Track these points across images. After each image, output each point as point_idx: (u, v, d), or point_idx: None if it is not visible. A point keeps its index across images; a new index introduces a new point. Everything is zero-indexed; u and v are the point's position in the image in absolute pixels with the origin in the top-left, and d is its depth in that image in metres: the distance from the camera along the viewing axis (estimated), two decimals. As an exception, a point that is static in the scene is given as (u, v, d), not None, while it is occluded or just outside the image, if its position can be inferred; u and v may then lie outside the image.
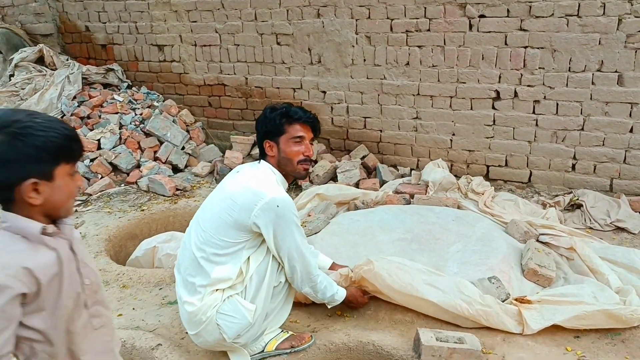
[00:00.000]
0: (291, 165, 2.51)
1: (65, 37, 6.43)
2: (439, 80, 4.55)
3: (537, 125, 4.31)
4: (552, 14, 4.01)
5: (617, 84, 3.98)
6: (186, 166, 5.43)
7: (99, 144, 5.22)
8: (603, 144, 4.15)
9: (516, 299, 2.70)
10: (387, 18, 4.58)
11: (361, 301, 2.75)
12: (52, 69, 5.75)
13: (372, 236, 3.38)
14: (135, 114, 5.61)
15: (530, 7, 4.06)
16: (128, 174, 5.08)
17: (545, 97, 4.22)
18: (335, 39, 4.86)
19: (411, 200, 4.11)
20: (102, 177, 4.96)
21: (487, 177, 4.60)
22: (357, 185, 4.58)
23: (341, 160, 4.97)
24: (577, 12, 3.95)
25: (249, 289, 2.36)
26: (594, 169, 4.23)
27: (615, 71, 3.96)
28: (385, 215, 3.67)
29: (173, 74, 5.91)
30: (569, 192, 4.25)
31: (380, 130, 4.96)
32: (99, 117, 5.48)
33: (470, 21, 4.29)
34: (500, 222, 3.72)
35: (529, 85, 4.24)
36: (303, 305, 2.86)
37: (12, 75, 5.72)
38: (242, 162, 5.09)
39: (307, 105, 5.17)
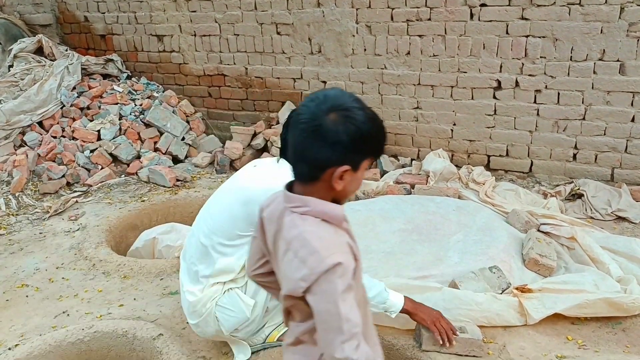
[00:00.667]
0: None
1: (64, 27, 6.40)
2: (439, 70, 4.53)
3: (538, 114, 4.30)
4: (554, 2, 3.98)
5: (619, 73, 3.96)
6: (186, 157, 5.42)
7: (99, 134, 5.21)
8: (604, 134, 4.13)
9: (517, 288, 2.70)
10: (388, 7, 4.55)
11: (446, 326, 2.40)
12: (51, 60, 5.72)
13: (373, 226, 3.38)
14: (135, 105, 5.59)
15: (532, -5, 4.04)
16: (128, 165, 5.07)
17: (546, 86, 4.20)
18: (336, 29, 4.83)
19: (412, 190, 4.11)
20: (102, 168, 4.95)
21: (488, 167, 4.59)
22: (357, 175, 4.56)
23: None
24: (579, 1, 3.92)
25: (250, 283, 2.33)
26: (595, 158, 4.22)
27: (617, 60, 3.94)
28: (385, 205, 3.67)
29: (173, 64, 5.88)
30: (570, 182, 4.25)
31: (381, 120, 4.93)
32: (99, 107, 5.47)
33: (471, 10, 4.26)
34: (501, 212, 3.71)
35: (530, 75, 4.22)
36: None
37: (11, 66, 5.70)
38: (242, 153, 5.09)
39: (308, 95, 5.14)
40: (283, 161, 2.31)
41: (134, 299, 3.04)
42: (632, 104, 3.99)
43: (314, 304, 1.24)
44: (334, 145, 1.28)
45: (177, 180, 4.77)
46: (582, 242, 3.17)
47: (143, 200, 4.42)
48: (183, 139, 5.48)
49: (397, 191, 4.06)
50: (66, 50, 5.98)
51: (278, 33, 5.15)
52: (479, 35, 4.30)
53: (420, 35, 4.51)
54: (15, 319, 2.90)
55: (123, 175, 4.97)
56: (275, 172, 2.26)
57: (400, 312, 2.36)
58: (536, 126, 4.33)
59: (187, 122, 5.65)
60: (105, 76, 5.97)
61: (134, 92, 5.77)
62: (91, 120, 5.33)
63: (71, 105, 5.37)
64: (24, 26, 6.26)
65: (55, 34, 6.36)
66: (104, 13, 6.03)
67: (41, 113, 5.20)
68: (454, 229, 3.30)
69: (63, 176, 4.75)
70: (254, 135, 5.32)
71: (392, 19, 4.57)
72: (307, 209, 1.32)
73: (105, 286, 3.19)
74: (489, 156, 4.60)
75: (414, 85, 4.68)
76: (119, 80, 5.96)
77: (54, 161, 4.90)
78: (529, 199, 4.01)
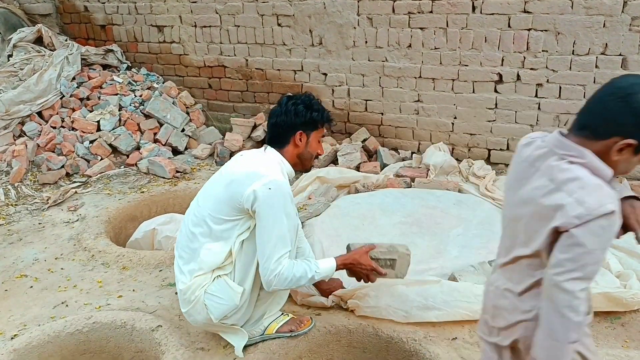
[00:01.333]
0: (309, 160, 2.52)
1: (64, 17, 6.37)
2: (441, 63, 4.51)
3: (539, 109, 4.28)
4: (557, -5, 3.97)
5: (621, 67, 3.95)
6: (186, 148, 5.41)
7: (99, 125, 5.19)
8: (605, 128, 4.12)
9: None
10: (390, -1, 4.54)
11: (366, 265, 2.45)
12: (50, 50, 5.70)
13: (373, 219, 3.38)
14: (135, 96, 5.57)
15: (535, -12, 4.01)
16: (128, 156, 5.06)
17: (548, 80, 4.18)
18: (337, 21, 4.81)
19: (412, 183, 4.11)
20: (101, 159, 4.94)
21: (488, 160, 4.58)
22: (357, 168, 4.56)
23: (342, 143, 4.94)
24: (581, -6, 3.91)
25: (237, 270, 2.33)
26: (596, 153, 4.20)
27: (620, 54, 3.92)
28: (386, 198, 3.67)
29: (173, 55, 5.86)
30: (571, 176, 4.23)
31: (382, 113, 4.93)
32: (99, 98, 5.45)
33: (473, 3, 4.24)
34: (501, 206, 3.71)
35: (531, 69, 4.20)
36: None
37: (10, 56, 5.68)
38: (242, 145, 5.08)
39: (308, 87, 5.14)
40: (270, 149, 2.38)
41: (133, 290, 3.04)
42: (633, 99, 3.97)
43: (581, 239, 1.35)
44: (636, 117, 1.37)
45: (177, 171, 4.76)
46: (582, 236, 3.16)
47: (142, 192, 4.42)
48: (183, 130, 5.47)
49: (398, 184, 4.05)
50: (66, 40, 5.96)
51: (279, 24, 5.12)
52: (480, 28, 4.27)
53: (421, 28, 4.49)
54: (14, 309, 2.90)
55: (122, 166, 4.96)
56: (258, 157, 2.37)
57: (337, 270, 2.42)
58: (537, 120, 4.32)
59: (187, 113, 5.63)
60: (105, 67, 5.95)
61: (133, 82, 5.75)
62: (91, 111, 5.32)
63: (71, 96, 5.35)
64: (23, 15, 6.23)
65: (55, 24, 6.33)
66: (104, 3, 5.99)
67: (40, 103, 5.19)
68: (454, 223, 3.30)
69: (62, 167, 4.74)
70: (254, 127, 5.31)
71: (393, 11, 4.54)
72: (583, 160, 1.42)
73: (104, 277, 3.19)
74: (489, 150, 4.59)
75: (415, 78, 4.66)
76: (118, 71, 5.94)
77: (53, 152, 4.89)
78: (529, 193, 4.00)
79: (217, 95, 5.81)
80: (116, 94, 5.51)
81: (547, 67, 4.15)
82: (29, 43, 5.71)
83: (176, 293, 2.90)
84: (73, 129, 5.15)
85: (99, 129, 5.19)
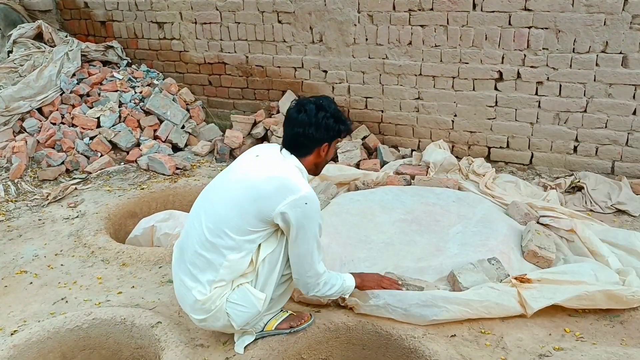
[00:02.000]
0: (323, 167, 2.51)
1: (64, 13, 6.36)
2: (441, 61, 4.51)
3: (539, 106, 4.28)
4: (557, -7, 3.96)
5: (622, 65, 3.94)
6: (186, 145, 5.41)
7: (99, 122, 5.19)
8: (605, 126, 4.12)
9: (516, 278, 2.70)
10: (390, -4, 4.53)
11: (388, 284, 2.62)
12: (50, 46, 5.69)
13: (373, 217, 3.38)
14: (135, 92, 5.57)
15: (535, -14, 4.01)
16: (128, 153, 5.06)
17: (548, 78, 4.18)
18: (337, 18, 4.80)
19: (412, 181, 4.11)
20: (101, 156, 4.94)
21: (488, 158, 4.59)
22: (357, 165, 4.57)
23: (342, 141, 4.94)
24: (582, -8, 3.90)
25: (260, 277, 2.31)
26: (596, 151, 4.21)
27: (620, 52, 3.92)
28: (385, 196, 3.67)
29: (173, 52, 5.85)
30: (570, 175, 4.24)
31: (382, 111, 4.93)
32: (99, 94, 5.45)
33: (474, 0, 4.23)
34: (500, 204, 3.71)
35: (532, 66, 4.20)
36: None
37: (10, 52, 5.67)
38: (242, 142, 5.08)
39: (308, 84, 5.14)
40: (289, 155, 2.32)
41: (133, 286, 3.04)
42: (634, 97, 3.98)
43: None
44: None
45: (177, 168, 4.76)
46: (582, 234, 3.17)
47: (142, 188, 4.42)
48: (183, 127, 5.47)
49: (397, 182, 4.05)
50: (66, 36, 5.95)
51: (279, 21, 5.12)
52: (481, 26, 4.27)
53: (422, 26, 4.48)
54: (14, 305, 2.90)
55: (122, 163, 4.96)
56: (279, 164, 2.27)
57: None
58: (537, 118, 4.32)
59: (187, 110, 5.63)
60: (105, 63, 5.94)
61: (133, 79, 5.75)
62: (91, 107, 5.31)
63: (71, 92, 5.35)
64: (23, 12, 6.22)
65: (55, 20, 6.32)
66: (104, -1, 6.00)
67: (40, 99, 5.18)
68: (454, 220, 3.30)
69: (62, 163, 4.74)
70: (254, 124, 5.31)
71: (394, 8, 4.54)
72: None
73: (104, 273, 3.19)
74: (489, 148, 4.59)
75: (416, 75, 4.66)
76: (118, 68, 5.93)
77: (53, 148, 4.89)
78: (528, 191, 4.00)
79: (217, 92, 5.81)
80: (116, 91, 5.51)
81: (547, 65, 4.15)
82: (29, 39, 5.70)
83: (176, 289, 2.92)
84: (73, 125, 5.15)
85: (99, 126, 5.18)
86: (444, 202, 3.53)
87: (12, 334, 2.62)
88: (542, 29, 4.08)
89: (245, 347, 2.44)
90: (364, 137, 4.93)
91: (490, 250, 2.95)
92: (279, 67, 5.29)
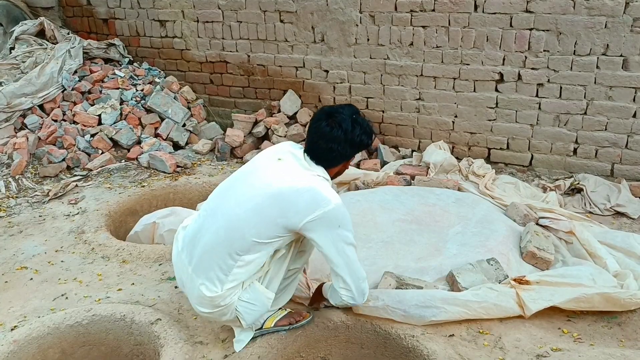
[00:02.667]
0: (337, 176, 2.48)
1: (66, 10, 6.37)
2: (442, 62, 4.52)
3: (539, 108, 4.29)
4: (559, -4, 3.97)
5: (622, 68, 3.95)
6: (187, 143, 5.42)
7: (100, 119, 5.20)
8: (605, 129, 4.13)
9: (515, 279, 2.71)
10: (392, -3, 4.54)
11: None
12: (52, 43, 5.70)
13: (372, 216, 3.39)
14: (137, 90, 5.58)
15: (537, -12, 4.02)
16: (129, 150, 5.07)
17: (549, 80, 4.19)
18: (339, 18, 4.81)
19: (412, 181, 4.12)
20: (102, 153, 4.95)
21: (488, 159, 4.60)
22: (358, 165, 4.58)
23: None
24: (584, -5, 3.91)
25: (269, 276, 2.32)
26: (596, 153, 4.22)
27: (621, 55, 3.93)
28: (385, 196, 3.68)
29: (175, 50, 5.86)
30: (570, 176, 4.25)
31: (383, 111, 4.94)
32: (100, 92, 5.45)
33: (475, 2, 4.24)
34: (500, 205, 3.72)
35: (533, 68, 4.21)
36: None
37: (12, 48, 5.67)
38: (243, 141, 5.09)
39: (310, 84, 5.15)
40: (315, 165, 2.26)
41: (133, 283, 3.05)
42: (634, 100, 3.99)
43: None
44: None
45: (178, 166, 4.77)
46: (580, 236, 3.18)
47: (143, 186, 4.43)
48: (184, 125, 5.48)
49: (397, 182, 4.07)
50: (68, 33, 5.96)
51: (281, 21, 5.13)
52: (482, 28, 4.28)
53: (423, 26, 4.49)
54: (14, 301, 2.91)
55: (123, 161, 4.97)
56: (305, 175, 2.21)
57: None
58: (537, 120, 4.33)
59: (189, 108, 5.64)
60: (107, 61, 5.95)
61: (135, 77, 5.75)
62: (92, 105, 5.32)
63: (72, 89, 5.35)
64: (26, 8, 6.22)
65: (58, 17, 6.33)
66: (106, -3, 6.00)
67: (42, 96, 5.19)
68: (453, 221, 3.31)
69: (63, 160, 4.75)
70: (255, 123, 5.32)
71: (395, 9, 4.55)
72: None
73: (104, 270, 3.20)
74: (489, 149, 4.60)
75: (417, 76, 4.67)
76: (120, 65, 5.94)
77: (54, 145, 4.90)
78: (528, 193, 4.02)
79: (218, 91, 5.82)
80: (118, 88, 5.52)
81: (548, 67, 4.16)
82: (31, 36, 5.71)
83: (176, 287, 2.94)
84: (74, 122, 5.16)
85: (100, 123, 5.19)
86: (443, 203, 3.54)
87: (12, 330, 2.63)
88: (543, 31, 4.09)
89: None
90: (365, 137, 4.93)
91: (489, 251, 2.97)
92: (280, 66, 5.30)
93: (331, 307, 2.70)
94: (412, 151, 4.84)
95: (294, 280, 2.56)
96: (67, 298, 2.92)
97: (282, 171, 2.25)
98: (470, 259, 2.87)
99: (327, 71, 5.06)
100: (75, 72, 5.52)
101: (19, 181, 4.49)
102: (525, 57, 4.21)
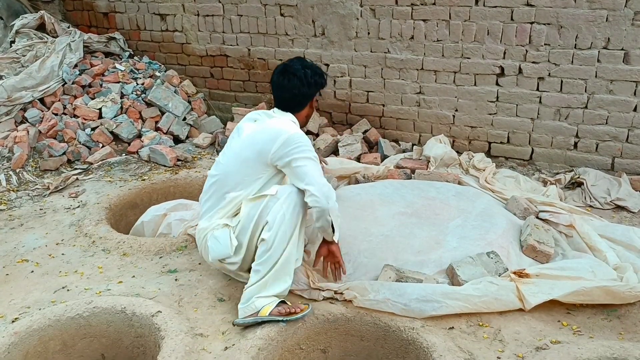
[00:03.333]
0: (310, 118, 2.92)
1: (66, 4, 6.36)
2: (443, 55, 4.51)
3: (540, 102, 4.29)
4: (560, -11, 3.96)
5: (623, 61, 3.95)
6: (187, 137, 5.42)
7: (100, 113, 5.19)
8: (606, 123, 4.13)
9: (514, 272, 2.72)
10: (393, -10, 4.53)
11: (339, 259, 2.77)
12: (53, 36, 5.69)
13: (373, 210, 3.39)
14: (137, 84, 5.57)
15: (538, -19, 4.01)
16: (129, 144, 5.07)
17: (549, 74, 4.18)
18: (340, 11, 4.80)
19: (412, 175, 4.12)
20: (103, 146, 4.95)
21: (488, 153, 4.59)
22: (358, 159, 4.58)
23: (343, 134, 4.95)
24: (585, -12, 3.90)
25: (239, 225, 2.62)
26: (596, 147, 4.21)
27: (622, 49, 3.92)
28: (385, 189, 3.68)
29: (175, 44, 5.86)
30: (570, 170, 4.25)
31: (383, 105, 4.93)
32: (101, 85, 5.45)
33: (476, -5, 4.24)
34: (500, 199, 3.72)
35: (533, 62, 4.21)
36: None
37: (12, 42, 5.67)
38: (244, 134, 5.09)
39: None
40: (282, 112, 2.71)
41: (133, 276, 3.06)
42: (635, 94, 3.98)
43: None
44: None
45: (178, 160, 4.78)
46: (580, 230, 3.19)
47: (143, 179, 4.43)
48: (184, 119, 5.48)
49: (398, 176, 4.07)
50: (68, 27, 5.96)
51: (282, 14, 5.12)
52: (483, 21, 4.27)
53: (424, 20, 4.48)
54: (15, 293, 2.92)
55: (124, 154, 4.97)
56: (275, 121, 2.71)
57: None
58: (538, 114, 4.33)
59: (189, 102, 5.64)
60: (108, 54, 5.95)
61: (135, 71, 5.75)
62: (93, 98, 5.32)
63: (73, 83, 5.35)
64: (26, 2, 6.22)
65: (58, 11, 6.32)
66: (106, -10, 5.99)
67: (42, 90, 5.19)
68: (453, 214, 3.31)
69: (64, 153, 4.75)
70: (256, 116, 5.31)
71: (396, 2, 4.54)
72: None
73: (105, 263, 3.21)
74: (490, 143, 4.60)
75: (417, 70, 4.66)
76: (121, 59, 5.94)
77: (54, 138, 4.90)
78: (528, 186, 4.02)
79: (219, 85, 5.81)
80: (118, 82, 5.51)
81: (549, 61, 4.15)
82: (31, 29, 5.70)
83: (176, 279, 2.96)
84: (75, 116, 5.16)
85: (100, 117, 5.19)
86: (443, 196, 3.55)
87: (13, 322, 2.64)
88: (544, 24, 4.08)
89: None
90: (365, 131, 4.94)
91: (489, 244, 2.97)
92: (281, 60, 5.29)
93: (330, 299, 2.71)
94: (413, 145, 4.83)
95: (287, 268, 2.56)
96: (68, 290, 2.93)
97: (257, 128, 2.71)
98: (470, 252, 2.88)
99: (327, 65, 5.06)
100: (76, 65, 5.52)
101: (20, 174, 4.49)
102: (526, 51, 4.20)
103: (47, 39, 5.63)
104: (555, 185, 3.99)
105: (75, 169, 4.67)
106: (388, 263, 2.85)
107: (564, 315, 2.63)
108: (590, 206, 3.84)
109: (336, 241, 2.69)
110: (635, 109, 4.01)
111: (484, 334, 2.49)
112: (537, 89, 4.27)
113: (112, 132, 5.06)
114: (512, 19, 4.17)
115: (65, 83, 5.34)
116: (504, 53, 4.29)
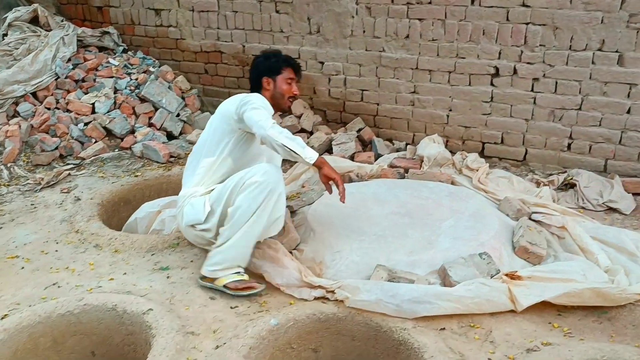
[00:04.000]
0: (282, 100, 3.05)
1: (60, -3, 6.32)
2: (438, 55, 4.51)
3: (534, 103, 4.30)
4: (556, -10, 3.96)
5: (617, 64, 3.96)
6: (181, 133, 5.40)
7: (93, 108, 5.16)
8: (600, 124, 4.14)
9: (506, 274, 2.72)
10: (389, -11, 4.52)
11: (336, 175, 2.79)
12: (46, 30, 5.64)
13: (366, 209, 3.39)
14: (131, 79, 5.53)
15: (534, -18, 4.01)
16: (122, 139, 5.04)
17: (544, 75, 4.19)
18: (335, 9, 4.79)
19: (405, 174, 4.12)
20: (95, 142, 4.92)
21: (482, 154, 4.60)
22: (352, 158, 4.57)
23: (337, 133, 4.94)
24: (580, -10, 3.91)
25: (216, 196, 2.81)
26: (590, 149, 4.23)
27: (616, 51, 3.93)
28: (379, 188, 3.68)
29: (169, 40, 5.83)
30: (564, 172, 4.26)
31: (377, 104, 4.93)
32: (94, 80, 5.42)
33: (472, -5, 4.24)
34: (493, 199, 3.73)
35: (528, 63, 4.21)
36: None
37: (5, 35, 5.62)
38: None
39: (305, 75, 5.11)
40: (256, 93, 3.01)
41: (125, 273, 3.05)
42: (628, 96, 4.00)
43: None
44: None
45: (171, 156, 4.76)
46: (573, 231, 3.19)
47: (136, 175, 4.41)
48: (178, 115, 5.45)
49: (391, 175, 4.07)
50: (62, 20, 5.91)
51: (277, 11, 5.10)
52: (479, 21, 4.27)
53: (420, 19, 4.48)
54: (5, 289, 2.90)
55: (117, 150, 4.94)
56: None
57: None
58: (532, 115, 4.33)
59: (183, 98, 5.61)
60: (101, 49, 5.90)
61: (129, 66, 5.72)
62: (86, 93, 5.28)
63: (66, 77, 5.31)
64: (19, -5, 6.17)
65: (51, 4, 6.26)
66: (101, -16, 5.95)
67: (35, 84, 5.16)
68: (446, 215, 3.32)
69: (56, 148, 4.72)
70: (250, 113, 5.29)
71: (392, 1, 4.53)
72: None
73: (96, 259, 3.19)
74: (483, 143, 4.60)
75: (412, 69, 4.66)
76: (114, 54, 5.90)
77: (47, 133, 4.87)
78: (521, 187, 4.02)
79: (213, 81, 5.79)
80: (112, 77, 5.48)
81: (543, 62, 4.16)
82: (24, 22, 5.65)
83: (168, 277, 2.95)
84: (67, 110, 5.12)
85: (93, 112, 5.16)
86: (436, 196, 3.55)
87: (2, 318, 2.62)
88: (539, 25, 4.09)
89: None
90: (359, 130, 4.93)
91: (481, 245, 2.97)
92: (275, 57, 5.27)
93: (321, 298, 2.71)
94: (406, 144, 4.83)
95: (250, 235, 2.70)
96: (58, 287, 2.91)
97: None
98: (463, 253, 2.88)
99: (322, 63, 5.05)
100: (69, 59, 5.47)
101: (11, 169, 4.46)
102: (521, 52, 4.21)
103: (41, 32, 5.59)
104: (548, 187, 4.00)
105: (68, 164, 4.64)
106: (380, 263, 2.85)
107: (554, 317, 2.63)
108: (583, 208, 3.85)
109: (315, 159, 2.71)
110: (628, 111, 4.03)
111: (475, 335, 2.50)
112: (532, 90, 4.27)
113: (105, 128, 5.03)
114: (507, 19, 4.17)
115: (58, 77, 5.31)
116: (499, 53, 4.29)
